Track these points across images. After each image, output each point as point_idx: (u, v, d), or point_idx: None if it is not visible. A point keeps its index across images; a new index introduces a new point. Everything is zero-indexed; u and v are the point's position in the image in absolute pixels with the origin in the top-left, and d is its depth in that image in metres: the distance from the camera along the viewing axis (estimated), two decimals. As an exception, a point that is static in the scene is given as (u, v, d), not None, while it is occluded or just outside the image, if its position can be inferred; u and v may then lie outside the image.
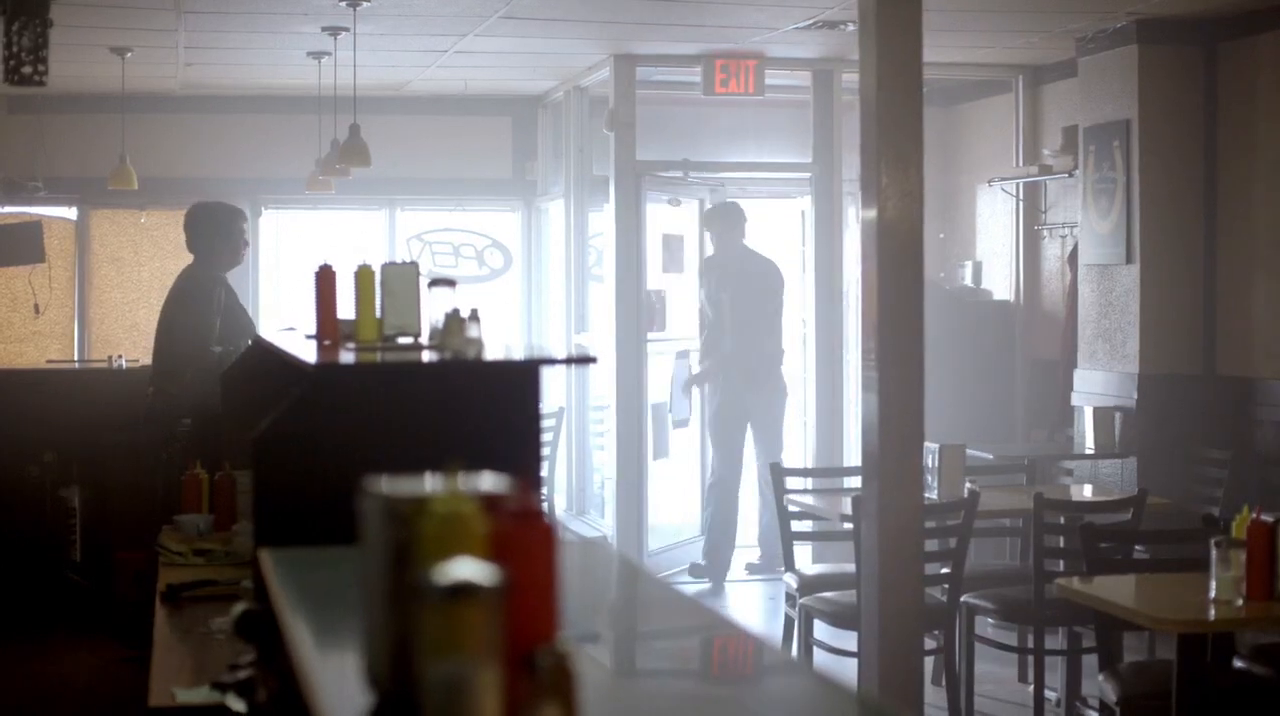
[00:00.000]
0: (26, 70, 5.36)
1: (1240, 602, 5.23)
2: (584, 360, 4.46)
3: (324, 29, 9.69)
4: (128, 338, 12.58)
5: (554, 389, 12.41)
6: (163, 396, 8.51)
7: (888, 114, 6.56)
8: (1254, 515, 5.30)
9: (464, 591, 1.74)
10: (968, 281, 12.30)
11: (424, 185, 13.31)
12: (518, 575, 1.78)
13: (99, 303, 12.93)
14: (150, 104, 12.30)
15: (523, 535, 1.82)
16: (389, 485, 1.97)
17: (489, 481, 1.97)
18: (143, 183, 11.49)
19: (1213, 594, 5.27)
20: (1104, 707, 5.98)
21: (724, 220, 11.23)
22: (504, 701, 1.75)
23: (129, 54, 10.52)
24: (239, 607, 3.28)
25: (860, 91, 6.88)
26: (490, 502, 1.86)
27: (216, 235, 8.50)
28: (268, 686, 3.10)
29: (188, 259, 8.75)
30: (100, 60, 10.65)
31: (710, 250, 11.50)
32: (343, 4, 8.84)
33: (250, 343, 6.67)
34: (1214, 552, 5.28)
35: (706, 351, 11.29)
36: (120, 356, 10.43)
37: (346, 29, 9.50)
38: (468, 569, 1.76)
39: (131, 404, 8.84)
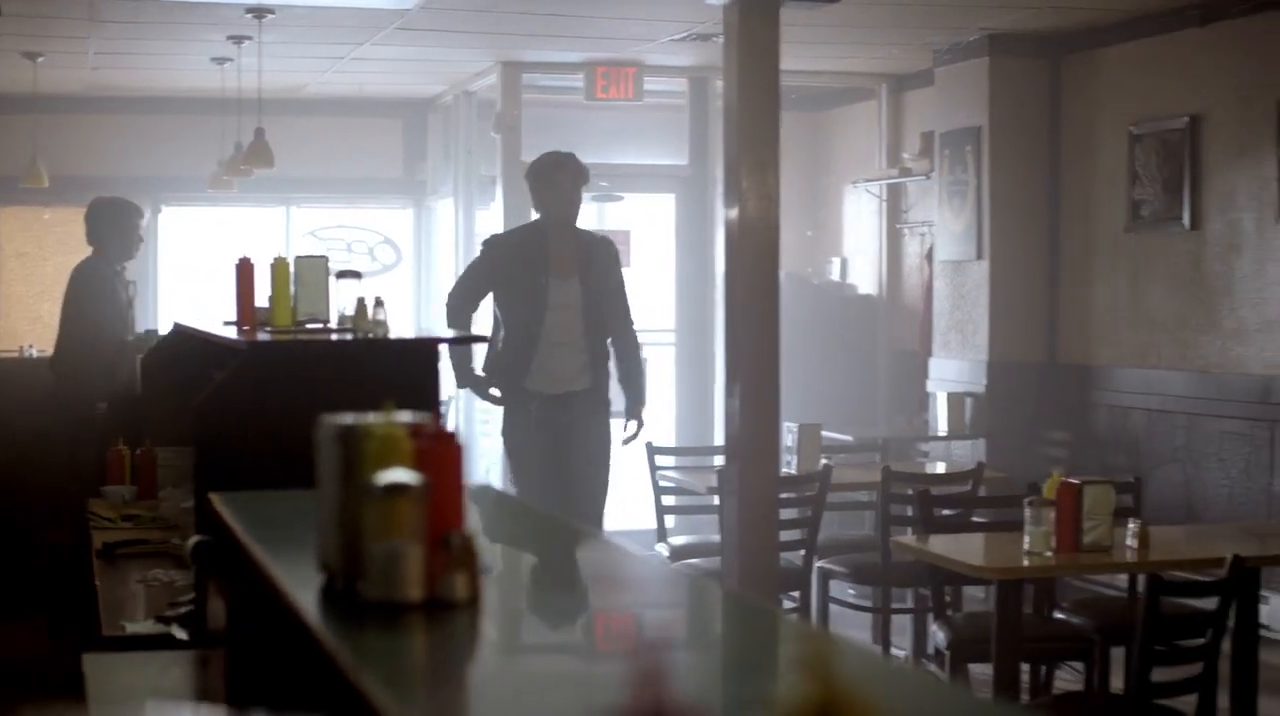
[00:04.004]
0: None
1: (1050, 554, 5.98)
2: (476, 339, 5.05)
3: (229, 37, 10.26)
4: (31, 330, 13.02)
5: (442, 379, 12.99)
6: (66, 381, 9.12)
7: (748, 123, 7.26)
8: (1063, 478, 6.07)
9: (397, 490, 2.42)
10: (835, 277, 13.05)
11: (319, 184, 13.82)
12: (435, 479, 2.46)
13: (5, 297, 13.39)
14: (59, 104, 12.72)
15: (438, 450, 2.50)
16: (339, 418, 2.64)
17: (412, 415, 2.64)
18: (51, 180, 11.99)
19: (1027, 546, 6.02)
20: (937, 653, 6.72)
21: (567, 175, 8.37)
22: (426, 570, 2.44)
23: (40, 58, 11.01)
24: (194, 539, 3.92)
25: (724, 102, 7.60)
26: (414, 428, 2.54)
27: (112, 228, 9.17)
28: (225, 602, 3.73)
29: (89, 253, 9.38)
30: (12, 65, 11.14)
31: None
32: (249, 16, 9.44)
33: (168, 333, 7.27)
34: (1027, 511, 6.03)
35: (501, 367, 8.35)
36: (31, 346, 10.95)
37: (251, 37, 10.07)
38: (399, 475, 2.44)
39: (44, 390, 9.37)
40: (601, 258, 8.37)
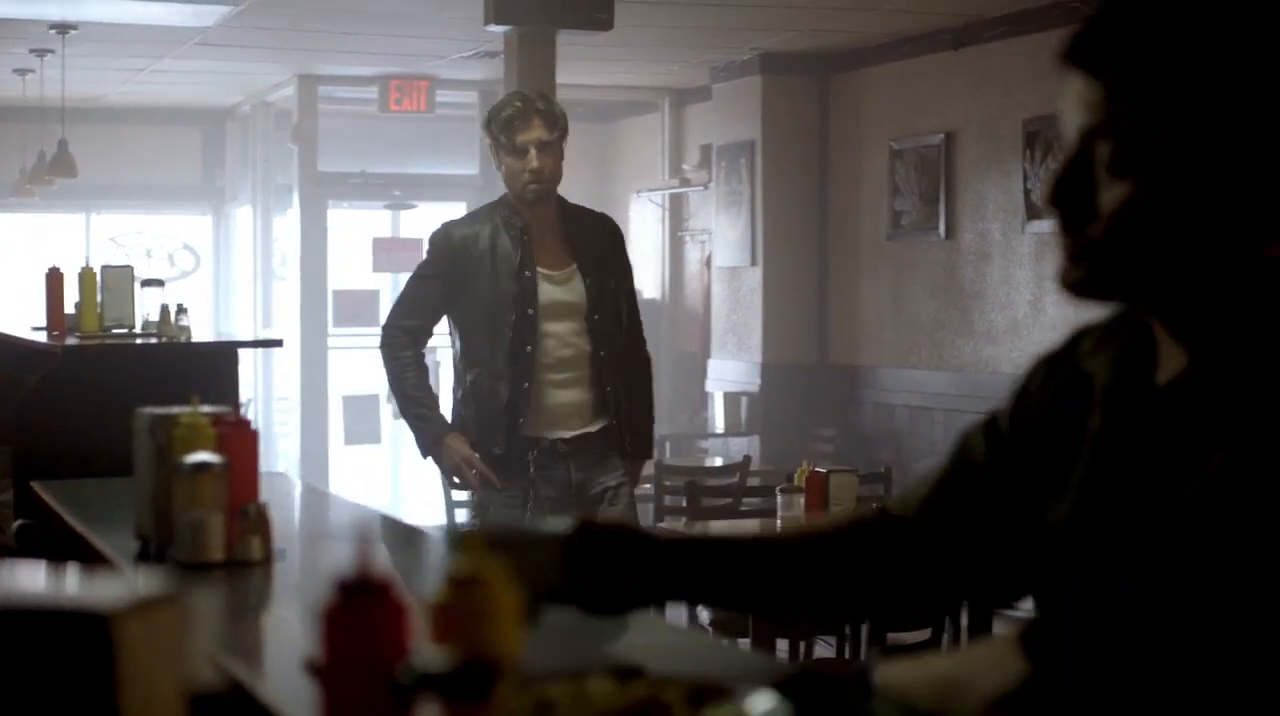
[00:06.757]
0: None
1: (800, 537, 6.57)
2: (272, 343, 5.50)
3: (31, 50, 10.55)
4: None
5: (242, 381, 13.37)
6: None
7: (527, 142, 7.78)
8: (811, 467, 6.68)
9: (202, 468, 2.92)
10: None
11: (120, 190, 14.09)
12: (234, 459, 2.96)
13: None
14: None
15: (236, 436, 3.01)
16: (152, 410, 3.13)
17: (214, 408, 3.14)
18: None
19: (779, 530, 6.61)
20: (703, 631, 7.28)
21: (536, 127, 5.36)
22: (226, 535, 2.94)
23: None
24: (17, 522, 4.36)
25: (506, 121, 8.12)
26: (215, 418, 3.04)
27: None
28: (43, 575, 4.18)
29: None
30: None
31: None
32: (52, 31, 9.76)
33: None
34: (780, 498, 6.62)
35: (481, 417, 5.41)
36: None
37: (54, 51, 10.37)
38: (203, 456, 2.94)
39: None
40: (602, 242, 5.59)
